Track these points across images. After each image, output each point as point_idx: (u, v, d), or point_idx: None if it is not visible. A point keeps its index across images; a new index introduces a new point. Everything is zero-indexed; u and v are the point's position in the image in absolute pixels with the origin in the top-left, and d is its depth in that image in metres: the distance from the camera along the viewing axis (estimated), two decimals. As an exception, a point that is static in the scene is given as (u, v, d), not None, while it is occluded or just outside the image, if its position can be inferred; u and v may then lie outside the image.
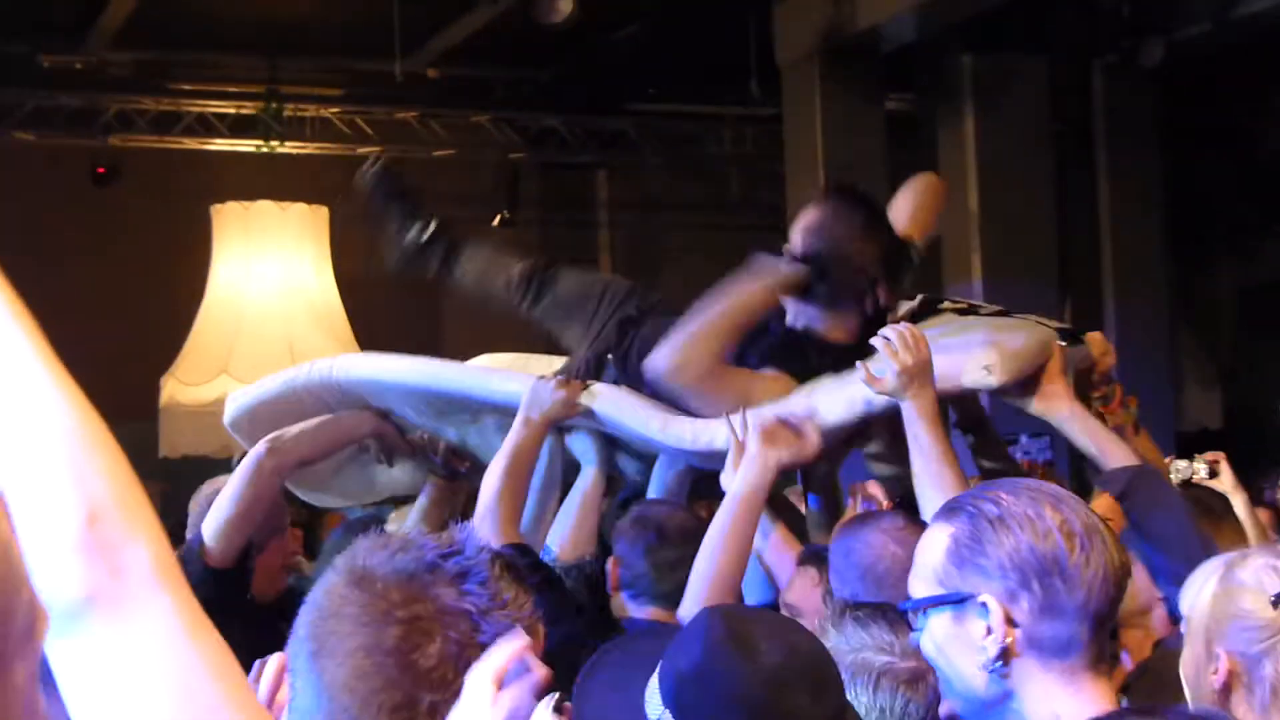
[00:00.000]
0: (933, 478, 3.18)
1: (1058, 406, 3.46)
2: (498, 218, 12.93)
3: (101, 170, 12.05)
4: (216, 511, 3.92)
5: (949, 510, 2.08)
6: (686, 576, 3.27)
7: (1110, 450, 3.30)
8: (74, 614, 1.08)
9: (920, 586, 2.07)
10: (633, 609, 3.49)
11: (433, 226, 4.68)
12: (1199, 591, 2.30)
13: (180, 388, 10.88)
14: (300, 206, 11.32)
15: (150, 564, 1.13)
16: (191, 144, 12.22)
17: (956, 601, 2.01)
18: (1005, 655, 1.98)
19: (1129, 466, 3.22)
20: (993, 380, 3.50)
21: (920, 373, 3.33)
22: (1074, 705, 1.98)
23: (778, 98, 10.96)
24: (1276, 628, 2.21)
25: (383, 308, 12.20)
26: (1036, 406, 3.49)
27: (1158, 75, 10.87)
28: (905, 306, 3.92)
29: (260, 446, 4.02)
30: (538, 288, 4.37)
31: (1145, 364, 10.28)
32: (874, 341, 3.43)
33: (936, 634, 2.04)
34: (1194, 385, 12.39)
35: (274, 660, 1.71)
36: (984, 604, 1.98)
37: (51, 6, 10.85)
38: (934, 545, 2.06)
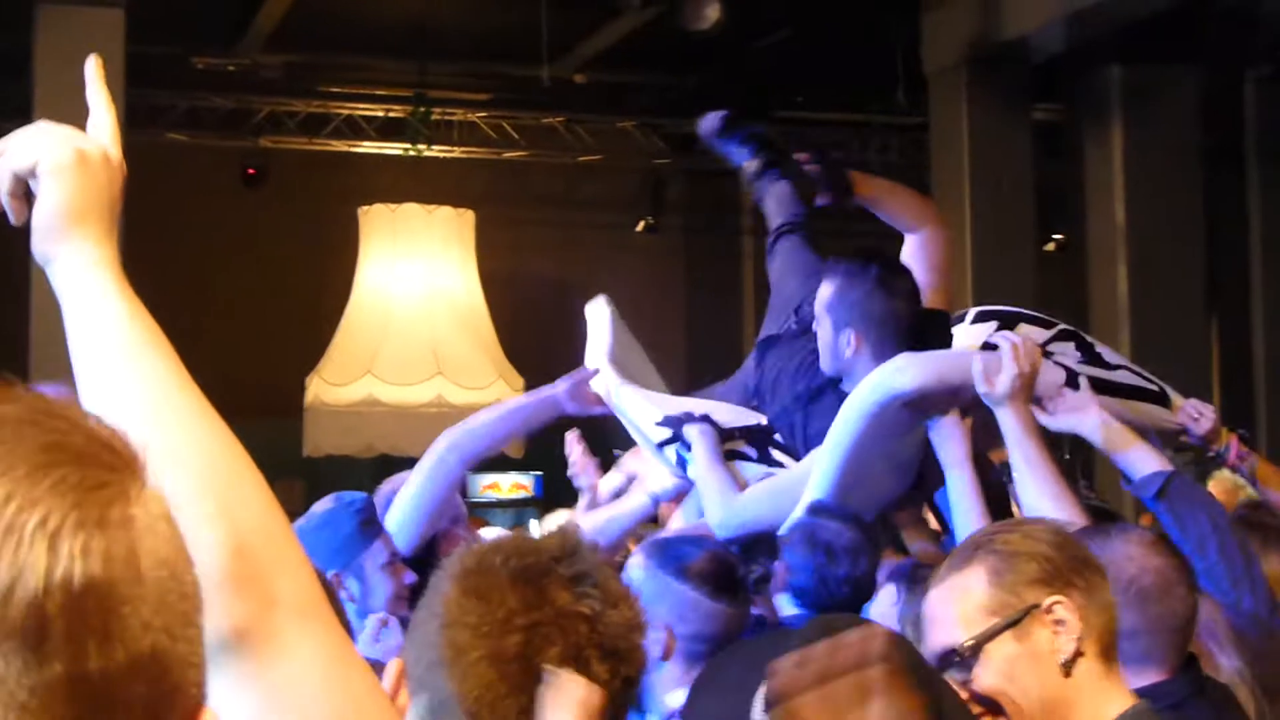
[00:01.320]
0: (1043, 485, 3.24)
1: (1087, 418, 3.46)
2: (641, 223, 13.21)
3: (252, 171, 12.31)
4: (401, 508, 3.97)
5: (963, 558, 2.17)
6: (852, 589, 3.29)
7: (1140, 456, 3.33)
8: (226, 648, 1.06)
9: (964, 631, 2.12)
10: (790, 609, 3.46)
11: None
12: None
13: (325, 387, 11.09)
14: (446, 210, 11.52)
15: (299, 594, 1.11)
16: (340, 146, 12.47)
17: (1017, 621, 2.09)
18: (1076, 651, 2.10)
19: (1161, 471, 3.27)
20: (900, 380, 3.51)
21: (1028, 385, 3.44)
22: (1125, 694, 2.13)
23: (924, 107, 10.98)
24: None
25: (525, 310, 12.58)
26: (1063, 420, 3.48)
27: None
28: (1041, 334, 3.90)
29: (442, 441, 4.11)
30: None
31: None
32: (996, 339, 3.55)
33: (1001, 664, 2.10)
34: None
35: (393, 665, 1.61)
36: (1050, 606, 2.10)
37: (205, 9, 11.13)
38: (969, 586, 2.13)
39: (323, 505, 3.60)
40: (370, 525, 3.57)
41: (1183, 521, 3.16)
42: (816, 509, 3.43)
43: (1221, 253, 11.24)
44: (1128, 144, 10.61)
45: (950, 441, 3.52)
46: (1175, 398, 3.89)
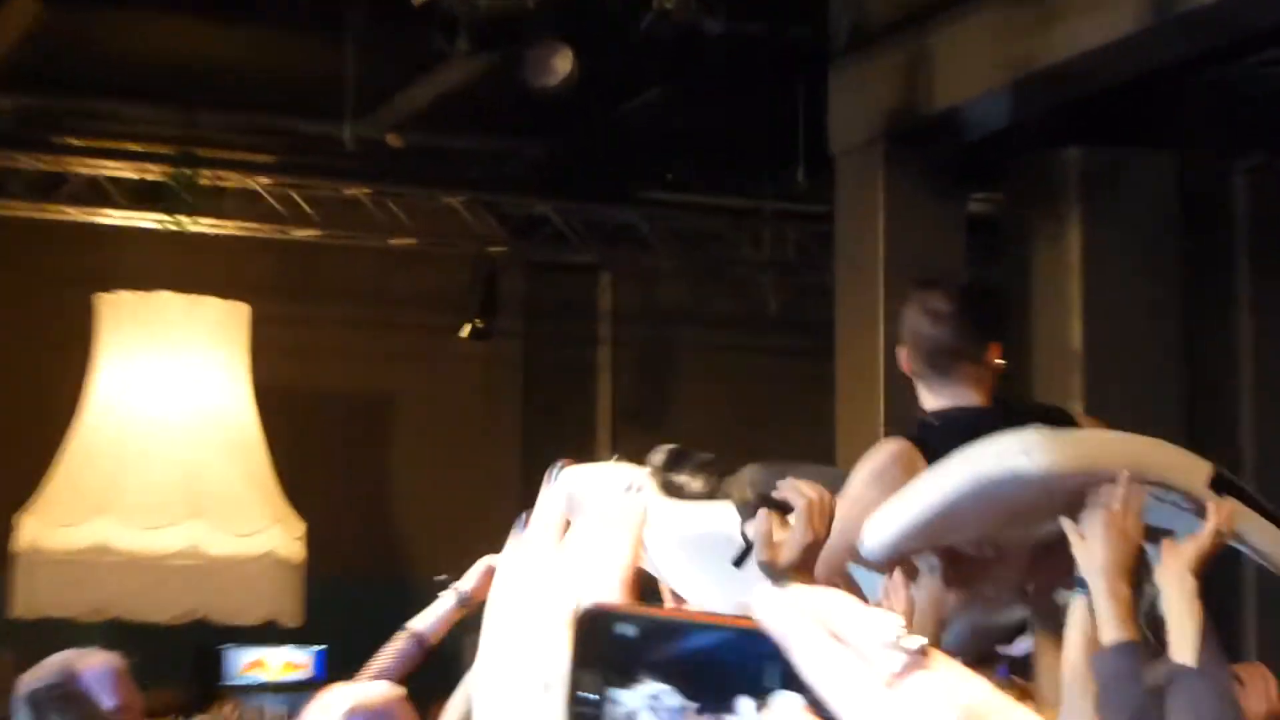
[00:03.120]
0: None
1: (1178, 574, 3.52)
2: (468, 327, 13.06)
3: (-41, 242, 12.21)
4: None
5: None
6: None
7: (1192, 641, 3.38)
8: None
9: None
10: None
11: None
12: None
13: (43, 529, 10.97)
14: (213, 301, 11.50)
15: None
16: (77, 214, 12.30)
17: None
18: None
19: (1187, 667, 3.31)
20: (1026, 463, 3.67)
21: (812, 556, 3.75)
22: None
23: (829, 191, 10.99)
24: None
25: (313, 434, 12.57)
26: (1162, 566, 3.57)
27: None
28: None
29: None
30: None
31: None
32: (786, 492, 3.85)
33: None
34: None
35: None
36: None
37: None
38: None
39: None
40: None
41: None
42: None
43: (1204, 381, 11.26)
44: (1087, 244, 10.68)
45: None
46: None
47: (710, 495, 4.38)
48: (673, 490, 4.49)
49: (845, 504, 3.98)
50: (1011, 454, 3.64)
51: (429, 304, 13.51)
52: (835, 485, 4.15)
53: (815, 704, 1.70)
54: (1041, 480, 3.63)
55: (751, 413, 13.34)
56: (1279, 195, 11.32)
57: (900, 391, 10.68)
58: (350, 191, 12.67)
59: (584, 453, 14.99)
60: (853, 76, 10.65)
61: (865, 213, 10.64)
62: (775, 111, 11.18)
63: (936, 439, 4.02)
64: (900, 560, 3.82)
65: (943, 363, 4.23)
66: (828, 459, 10.68)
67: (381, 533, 13.23)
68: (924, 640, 1.53)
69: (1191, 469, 3.80)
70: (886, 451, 4.06)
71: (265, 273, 12.91)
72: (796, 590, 2.07)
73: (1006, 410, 4.21)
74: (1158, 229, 10.79)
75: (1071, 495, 3.62)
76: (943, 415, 4.24)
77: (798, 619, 1.70)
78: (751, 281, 13.44)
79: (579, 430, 13.81)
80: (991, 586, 3.95)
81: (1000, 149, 10.87)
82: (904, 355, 4.28)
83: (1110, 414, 10.48)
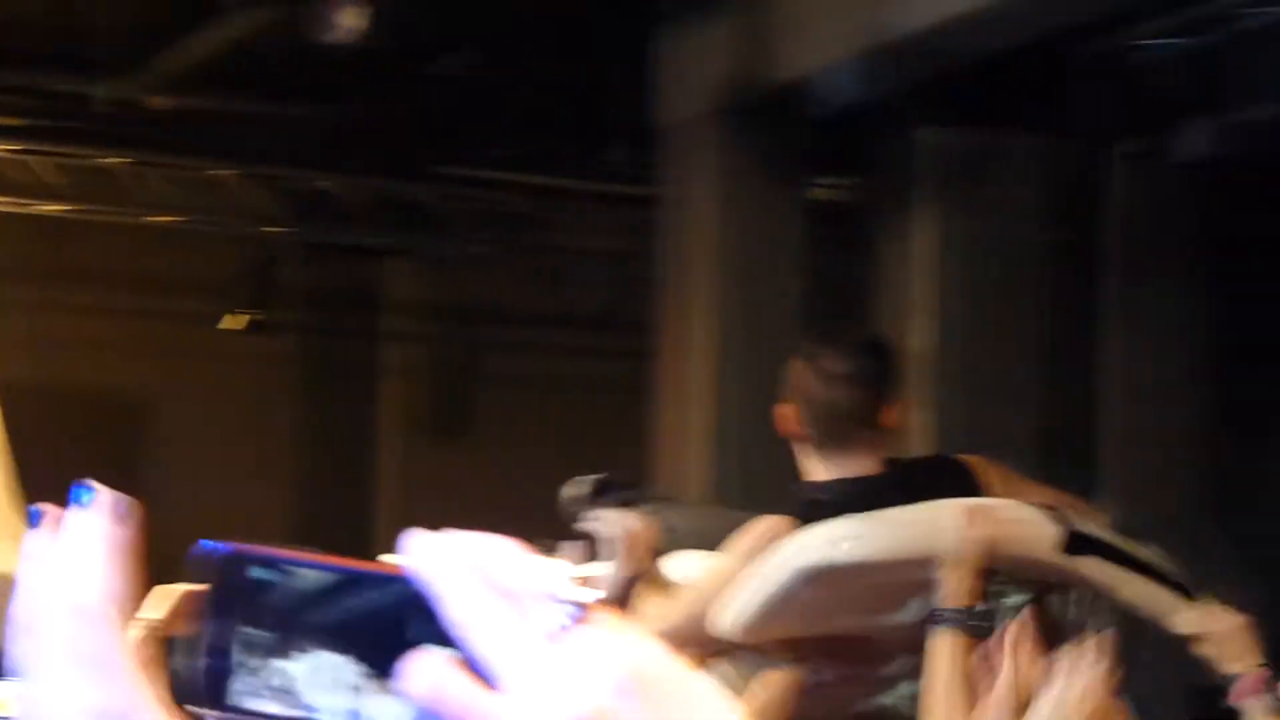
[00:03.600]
0: None
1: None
2: (239, 318, 13.00)
3: None
4: None
5: None
6: None
7: None
8: None
9: None
10: None
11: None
12: None
13: None
14: None
15: None
16: None
17: None
18: None
19: None
20: (838, 554, 4.04)
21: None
22: None
23: (654, 171, 11.09)
24: None
25: (56, 435, 12.00)
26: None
27: (1201, 171, 10.93)
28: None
29: None
30: None
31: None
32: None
33: None
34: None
35: None
36: None
37: None
38: None
39: None
40: None
41: None
42: None
43: (1066, 391, 11.29)
44: (942, 236, 10.68)
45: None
46: None
47: None
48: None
49: (711, 576, 4.30)
50: (826, 545, 4.01)
51: (194, 291, 13.24)
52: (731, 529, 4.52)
53: (469, 660, 1.48)
54: (859, 569, 4.01)
55: (564, 422, 13.33)
56: (1160, 185, 11.36)
57: (729, 401, 10.83)
58: (104, 160, 12.37)
59: (366, 464, 14.81)
60: (684, 42, 10.65)
61: (695, 196, 10.63)
62: (595, 79, 11.18)
63: (829, 514, 4.19)
64: (766, 642, 4.19)
65: (837, 430, 4.48)
66: (644, 472, 10.56)
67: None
68: (593, 594, 1.40)
69: (1037, 537, 4.07)
70: (760, 530, 4.29)
71: (3, 252, 12.72)
72: (454, 536, 1.59)
73: (902, 474, 4.53)
74: (1022, 221, 10.85)
75: (918, 579, 3.99)
76: (834, 489, 4.45)
77: (450, 566, 1.46)
78: (566, 272, 13.47)
79: (363, 439, 13.85)
80: (883, 666, 4.26)
81: (851, 129, 10.97)
82: (790, 417, 4.53)
83: (958, 426, 10.64)
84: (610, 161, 11.71)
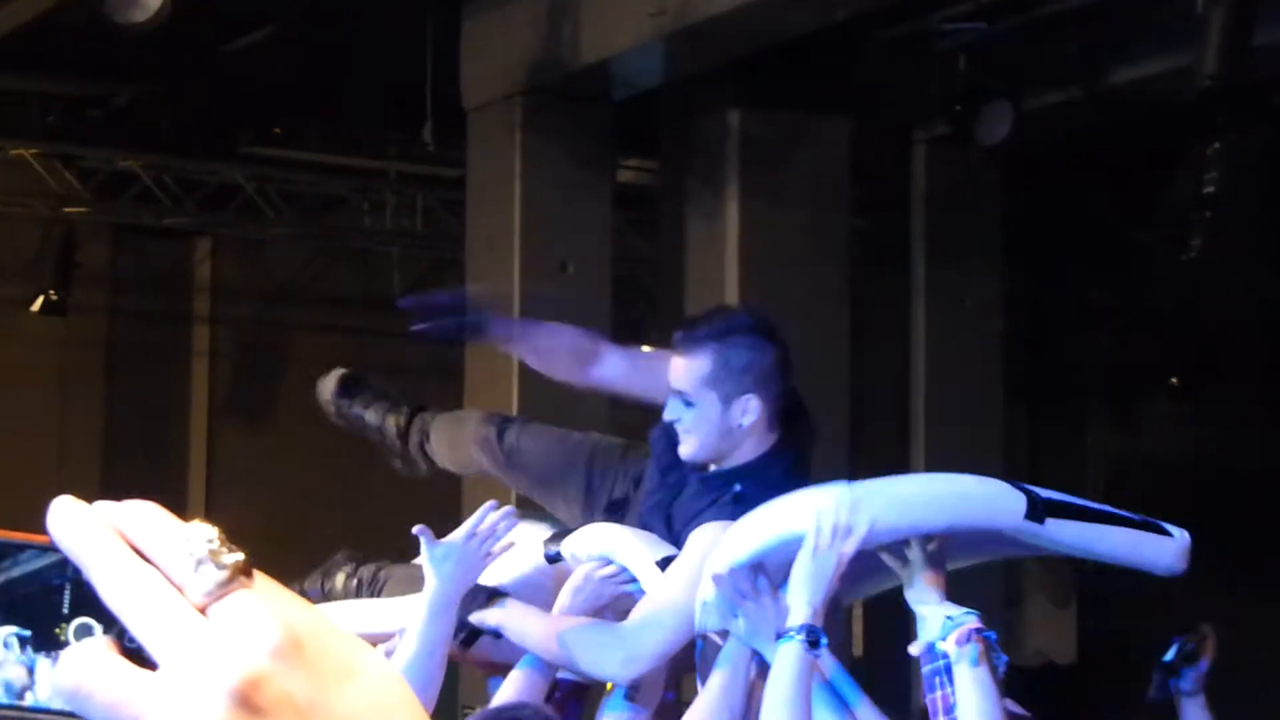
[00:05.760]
0: None
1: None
2: (40, 299, 12.69)
3: None
4: None
5: None
6: None
7: None
8: None
9: None
10: None
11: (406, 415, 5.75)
12: None
13: None
14: None
15: None
16: None
17: None
18: None
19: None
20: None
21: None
22: None
23: (462, 152, 11.04)
24: None
25: None
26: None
27: (1002, 156, 11.02)
28: None
29: None
30: (507, 453, 5.34)
31: (971, 575, 10.08)
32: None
33: None
34: (1038, 603, 12.50)
35: None
36: None
37: None
38: None
39: None
40: None
41: None
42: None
43: (873, 372, 11.43)
44: (745, 219, 10.71)
45: None
46: None
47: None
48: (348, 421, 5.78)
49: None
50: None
51: None
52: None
53: (119, 631, 1.41)
54: None
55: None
56: (961, 169, 11.45)
57: (535, 388, 10.83)
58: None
59: (175, 449, 14.66)
60: (488, 22, 10.66)
61: (500, 178, 10.63)
62: (401, 59, 11.04)
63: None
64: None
65: (793, 415, 4.70)
66: None
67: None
68: (241, 555, 1.34)
69: (1005, 509, 4.15)
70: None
71: None
72: (99, 504, 1.54)
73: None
74: (826, 204, 10.94)
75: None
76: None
77: (92, 532, 1.40)
78: (374, 254, 13.41)
79: (169, 424, 13.71)
80: None
81: (656, 111, 11.03)
82: (752, 408, 4.56)
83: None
84: (418, 142, 11.51)
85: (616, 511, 5.03)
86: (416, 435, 5.66)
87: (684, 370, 4.63)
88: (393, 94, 11.47)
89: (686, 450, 4.69)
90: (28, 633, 1.45)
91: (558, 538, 4.83)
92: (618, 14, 9.92)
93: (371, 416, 5.74)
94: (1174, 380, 12.80)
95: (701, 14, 9.44)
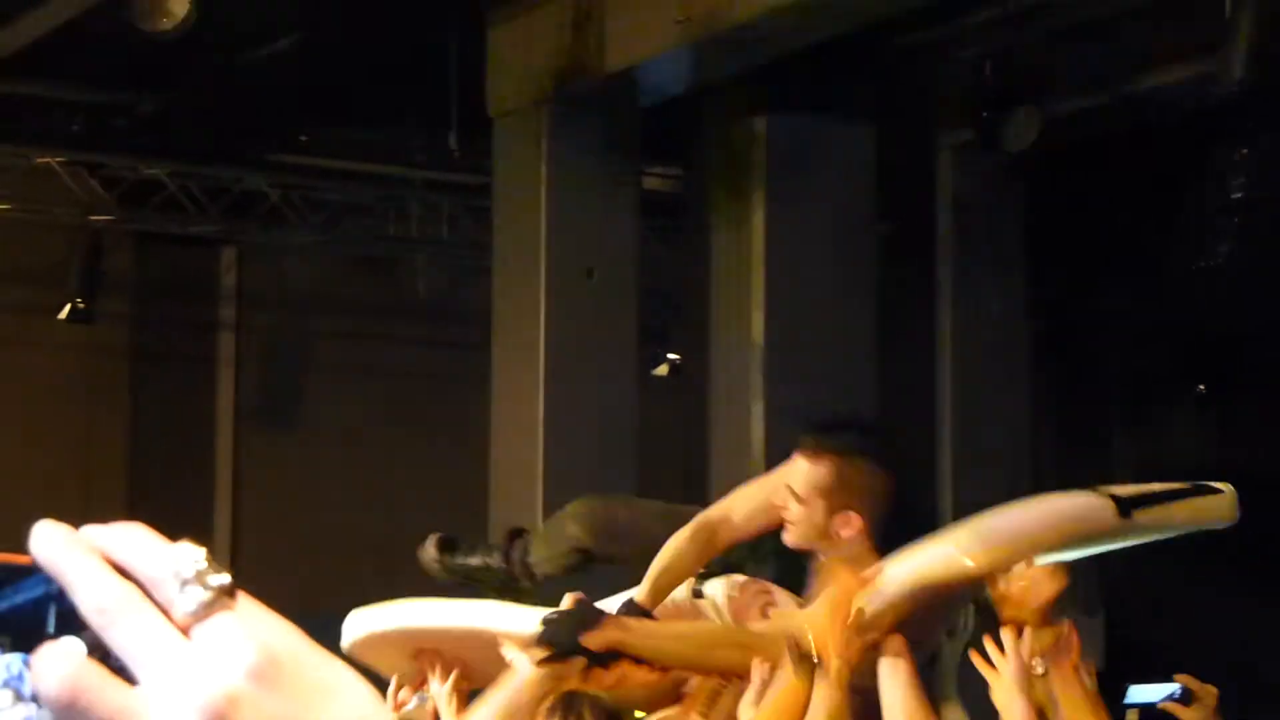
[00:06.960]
0: None
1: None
2: (67, 308, 12.70)
3: None
4: None
5: None
6: None
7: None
8: None
9: None
10: None
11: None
12: None
13: None
14: None
15: None
16: None
17: None
18: None
19: None
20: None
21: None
22: None
23: (487, 159, 11.05)
24: None
25: None
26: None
27: (1028, 161, 11.03)
28: None
29: None
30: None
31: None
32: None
33: None
34: (1066, 612, 12.26)
35: None
36: None
37: None
38: None
39: None
40: None
41: None
42: None
43: (899, 377, 11.36)
44: (772, 225, 10.79)
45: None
46: None
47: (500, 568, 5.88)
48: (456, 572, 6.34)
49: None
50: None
51: (20, 281, 13.11)
52: (671, 527, 5.01)
53: (102, 651, 1.42)
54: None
55: (396, 413, 13.19)
56: (987, 175, 11.48)
57: (560, 396, 10.79)
58: (-82, 147, 12.10)
59: (201, 457, 14.62)
60: (514, 29, 10.68)
61: (526, 185, 10.61)
62: (426, 67, 11.10)
63: None
64: None
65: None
66: (480, 466, 10.50)
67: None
68: (227, 577, 1.35)
69: (1098, 514, 4.55)
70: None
71: None
72: (89, 528, 1.54)
73: None
74: (851, 210, 10.94)
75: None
76: None
77: (74, 551, 1.42)
78: (399, 261, 13.38)
79: (195, 431, 13.66)
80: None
81: (682, 119, 11.09)
82: (853, 523, 4.67)
83: (793, 413, 10.71)
84: (443, 150, 11.67)
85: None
86: (518, 553, 6.48)
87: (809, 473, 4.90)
88: (418, 101, 11.51)
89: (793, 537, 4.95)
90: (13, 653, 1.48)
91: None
92: (643, 22, 9.94)
93: (474, 560, 6.61)
94: (1200, 387, 12.72)
95: (727, 21, 9.48)
